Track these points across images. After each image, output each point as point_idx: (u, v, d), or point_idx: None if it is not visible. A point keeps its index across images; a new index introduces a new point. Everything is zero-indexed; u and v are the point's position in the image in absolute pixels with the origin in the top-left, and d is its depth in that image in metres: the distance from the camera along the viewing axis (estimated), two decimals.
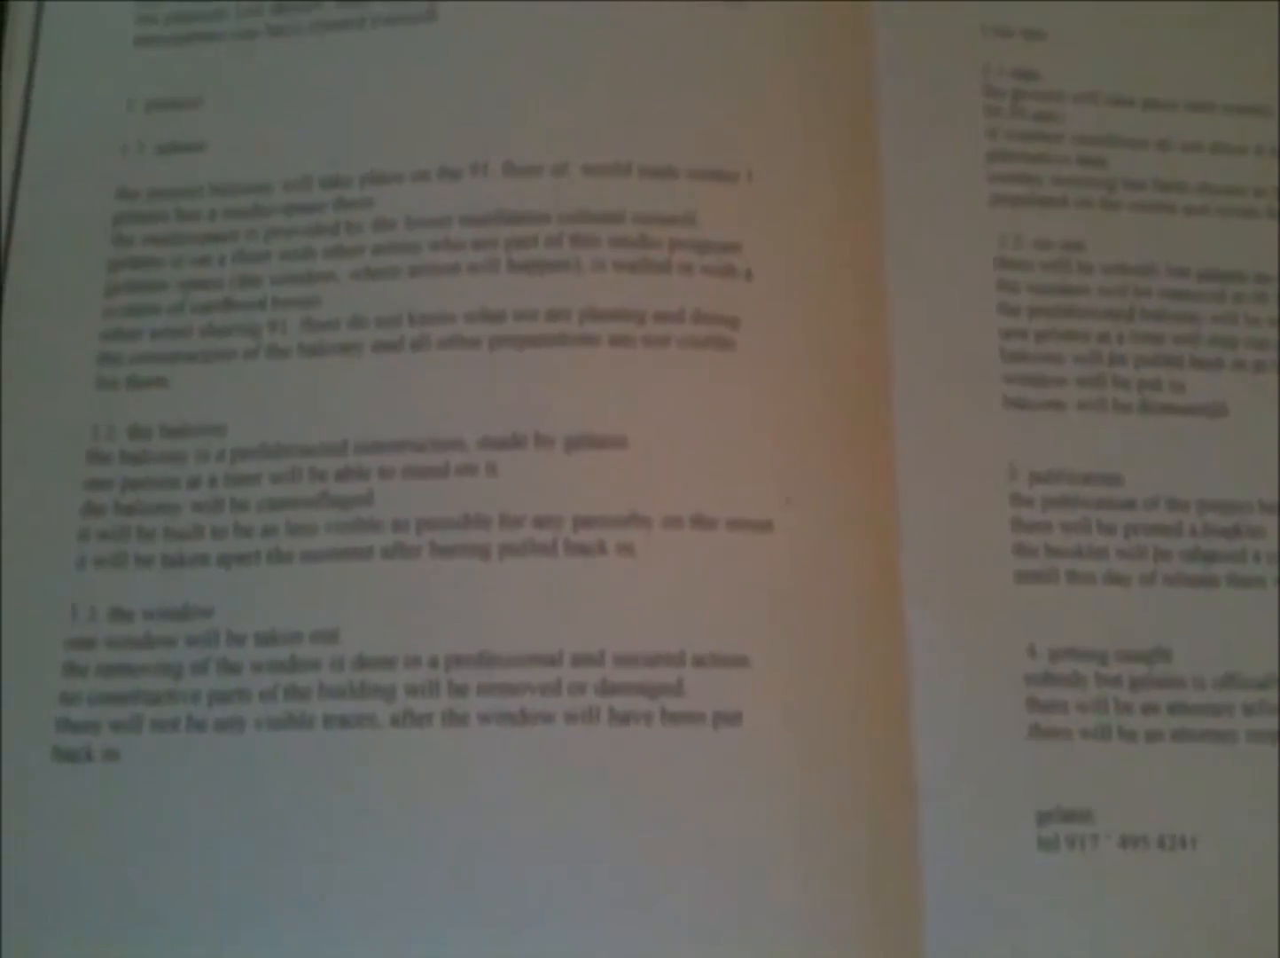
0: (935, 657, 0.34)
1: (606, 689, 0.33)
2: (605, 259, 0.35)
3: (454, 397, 0.35)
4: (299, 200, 0.37)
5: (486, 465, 0.34)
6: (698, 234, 0.36)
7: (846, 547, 0.34)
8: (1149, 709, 0.34)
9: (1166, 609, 0.35)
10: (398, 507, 0.34)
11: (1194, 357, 0.36)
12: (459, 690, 0.33)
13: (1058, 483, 0.35)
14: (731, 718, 0.33)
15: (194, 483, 0.35)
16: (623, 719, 0.33)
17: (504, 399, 0.35)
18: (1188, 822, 0.33)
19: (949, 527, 0.35)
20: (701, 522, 0.34)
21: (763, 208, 0.36)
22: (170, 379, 0.36)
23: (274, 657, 0.34)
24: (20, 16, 0.39)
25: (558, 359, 0.35)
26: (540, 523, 0.34)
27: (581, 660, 0.33)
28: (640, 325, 0.35)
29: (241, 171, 0.37)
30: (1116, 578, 0.35)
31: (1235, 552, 0.35)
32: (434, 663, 0.33)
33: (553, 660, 0.33)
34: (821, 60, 0.37)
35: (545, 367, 0.35)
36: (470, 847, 0.32)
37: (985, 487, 0.35)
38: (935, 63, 0.38)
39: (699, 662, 0.33)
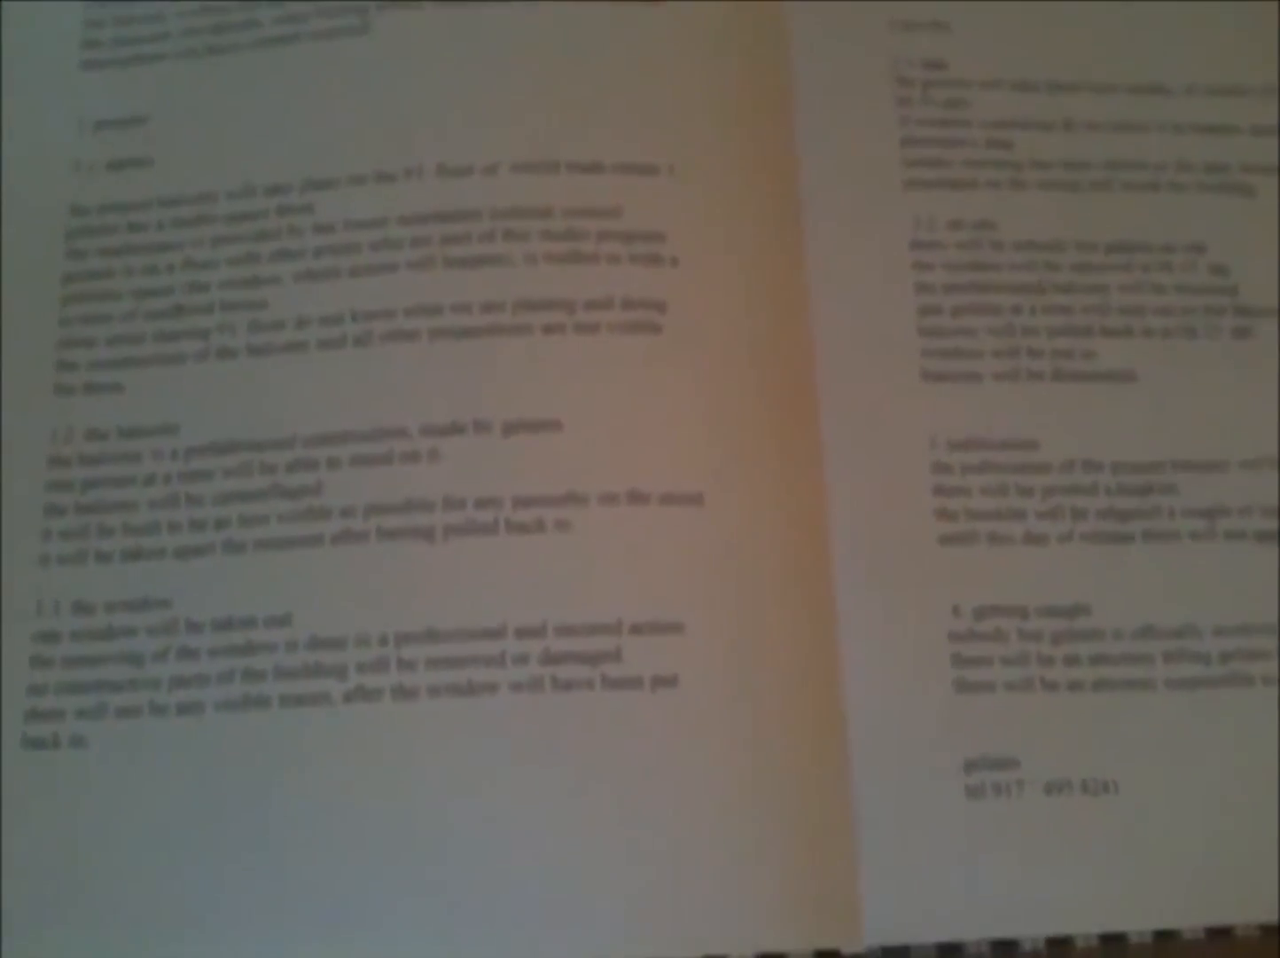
0: (864, 618, 0.35)
1: (549, 659, 0.34)
2: (536, 252, 0.37)
3: (396, 388, 0.36)
4: (242, 209, 0.38)
5: (429, 452, 0.36)
6: (624, 225, 0.37)
7: (776, 516, 0.36)
8: (1070, 661, 0.35)
9: (1084, 566, 0.36)
10: (345, 495, 0.36)
11: (1103, 326, 0.38)
12: (408, 666, 0.34)
13: (976, 450, 0.37)
14: (668, 682, 0.34)
15: (150, 481, 0.36)
16: (565, 687, 0.34)
17: (444, 389, 0.36)
18: (1110, 767, 0.35)
19: (874, 495, 0.36)
20: (636, 497, 0.35)
21: (686, 198, 0.38)
22: (125, 383, 0.37)
23: (230, 642, 0.35)
24: None
25: (494, 349, 0.36)
26: (481, 504, 0.35)
27: (524, 633, 0.34)
28: (571, 314, 0.36)
29: (187, 184, 0.39)
30: (1035, 538, 0.36)
31: (1149, 509, 0.37)
32: (383, 641, 0.34)
33: (496, 634, 0.34)
34: (739, 57, 0.39)
35: (482, 356, 0.36)
36: (421, 814, 0.33)
37: (907, 456, 0.37)
38: (847, 57, 0.40)
39: (636, 630, 0.34)
